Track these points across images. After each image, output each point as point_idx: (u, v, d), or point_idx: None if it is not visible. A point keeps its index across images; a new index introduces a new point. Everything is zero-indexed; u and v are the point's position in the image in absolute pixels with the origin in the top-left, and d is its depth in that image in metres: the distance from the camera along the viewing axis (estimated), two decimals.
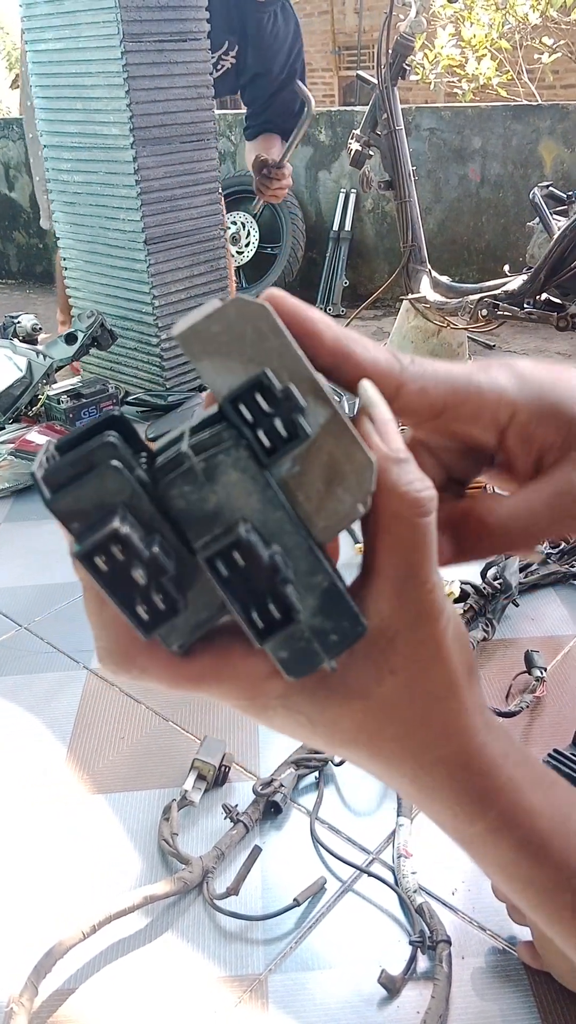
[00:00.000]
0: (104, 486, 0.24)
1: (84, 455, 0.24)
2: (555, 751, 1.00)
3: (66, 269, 2.42)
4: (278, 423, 0.24)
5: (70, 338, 2.11)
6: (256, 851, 0.90)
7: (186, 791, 0.98)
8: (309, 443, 0.25)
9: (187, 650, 0.27)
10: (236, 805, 0.96)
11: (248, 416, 0.24)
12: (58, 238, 2.38)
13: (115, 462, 0.24)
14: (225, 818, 0.95)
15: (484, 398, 0.32)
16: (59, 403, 2.03)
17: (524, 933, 0.81)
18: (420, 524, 0.27)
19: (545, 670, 1.14)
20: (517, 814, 0.30)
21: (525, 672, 1.15)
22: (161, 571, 0.24)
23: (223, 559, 0.24)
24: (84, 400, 2.07)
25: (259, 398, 0.24)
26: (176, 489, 0.24)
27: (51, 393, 2.06)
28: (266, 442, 0.24)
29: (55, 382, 2.12)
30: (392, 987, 0.79)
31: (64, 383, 2.14)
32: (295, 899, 0.86)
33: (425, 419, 0.31)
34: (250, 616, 0.24)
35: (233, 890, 0.87)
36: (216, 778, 1.01)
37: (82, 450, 0.24)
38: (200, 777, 1.01)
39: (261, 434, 0.24)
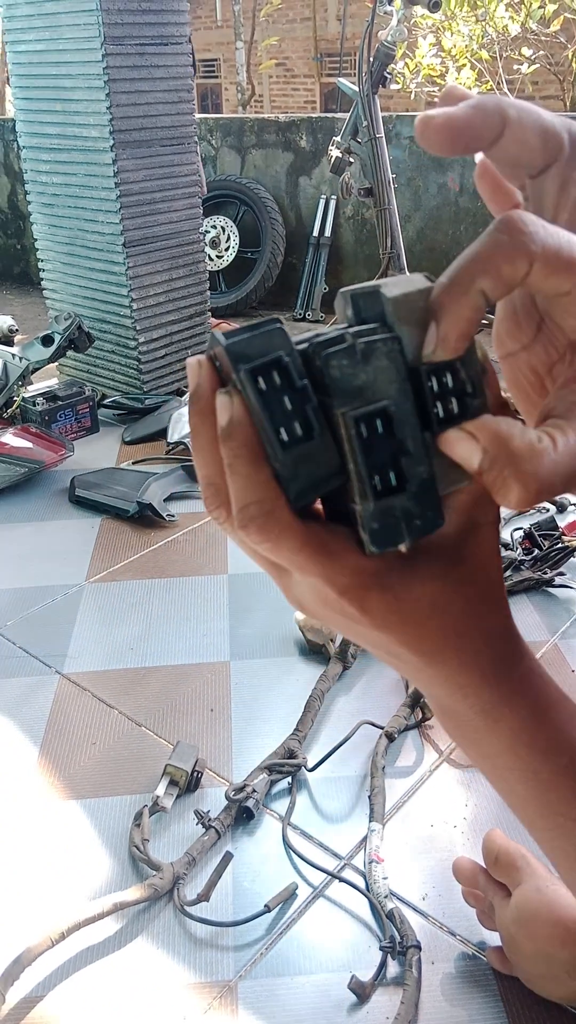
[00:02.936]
0: (271, 341, 0.28)
1: (255, 326, 0.29)
2: None
3: (43, 271, 2.40)
4: (454, 401, 0.30)
5: (47, 340, 2.10)
6: (227, 857, 0.90)
7: (158, 797, 0.98)
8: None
9: (301, 508, 0.30)
10: (208, 811, 0.96)
11: (435, 388, 0.29)
12: (36, 239, 2.37)
13: (281, 326, 0.29)
14: (197, 824, 0.95)
15: None
16: (35, 405, 2.02)
17: (493, 938, 0.82)
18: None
19: None
20: (533, 681, 0.37)
21: None
22: (307, 400, 0.28)
23: (367, 422, 0.28)
24: (60, 402, 2.06)
25: (449, 376, 0.29)
26: (336, 360, 0.28)
27: (27, 395, 2.04)
28: (441, 414, 0.30)
29: (31, 384, 2.11)
30: (362, 993, 0.79)
31: (40, 385, 2.13)
32: (266, 905, 0.86)
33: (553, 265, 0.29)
34: (372, 477, 0.29)
35: (204, 896, 0.86)
36: (188, 784, 1.01)
37: (253, 325, 0.29)
38: (172, 783, 1.00)
39: (439, 405, 0.29)
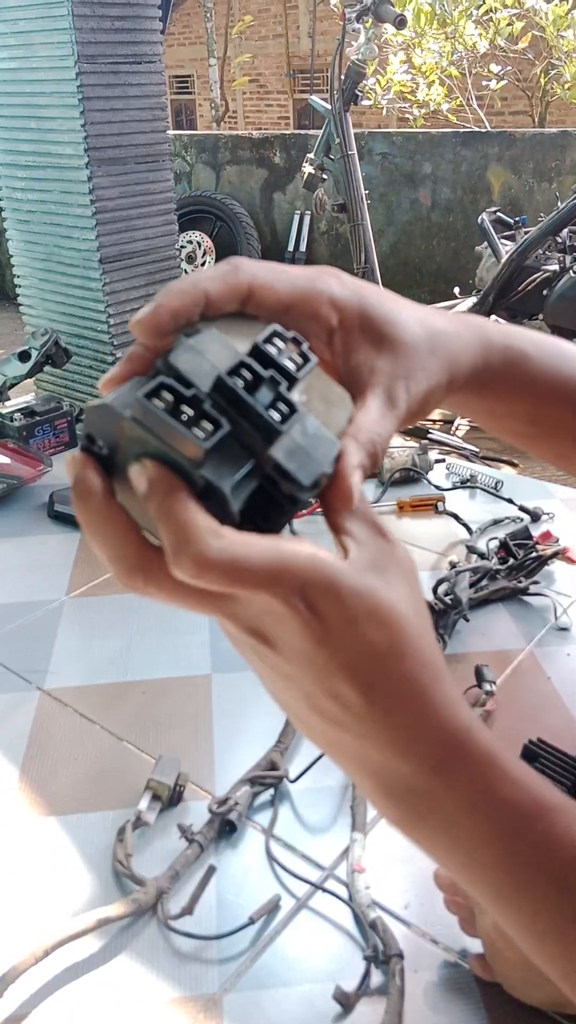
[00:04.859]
0: (136, 385, 0.33)
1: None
2: None
3: (19, 287, 2.41)
4: (294, 355, 0.34)
5: (24, 356, 2.10)
6: (211, 870, 0.90)
7: (141, 812, 0.98)
8: (306, 381, 0.35)
9: (238, 511, 0.33)
10: (191, 824, 0.96)
11: (274, 351, 0.33)
12: (12, 255, 2.37)
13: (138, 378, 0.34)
14: (180, 838, 0.95)
15: (319, 299, 0.37)
16: (12, 421, 2.01)
17: (475, 946, 0.83)
18: (359, 485, 0.36)
19: (495, 684, 1.17)
20: (477, 722, 0.36)
21: (476, 686, 1.17)
22: (199, 402, 0.31)
23: (238, 375, 0.32)
24: (38, 418, 2.06)
25: (277, 341, 0.34)
26: (183, 355, 0.32)
27: (4, 411, 2.04)
28: (291, 366, 0.33)
29: (8, 399, 2.10)
30: (346, 1003, 0.79)
31: (17, 400, 2.13)
32: (250, 917, 0.87)
33: (277, 313, 0.36)
34: (268, 412, 0.32)
35: (188, 910, 0.87)
36: (171, 798, 1.01)
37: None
38: (155, 797, 1.00)
39: (286, 360, 0.33)
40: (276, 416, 0.32)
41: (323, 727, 0.35)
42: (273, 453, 0.32)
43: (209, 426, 0.31)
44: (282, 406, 0.32)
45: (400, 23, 2.71)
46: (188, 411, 0.31)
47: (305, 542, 0.33)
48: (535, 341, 0.44)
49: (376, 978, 0.82)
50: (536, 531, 1.52)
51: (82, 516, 0.34)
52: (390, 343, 0.38)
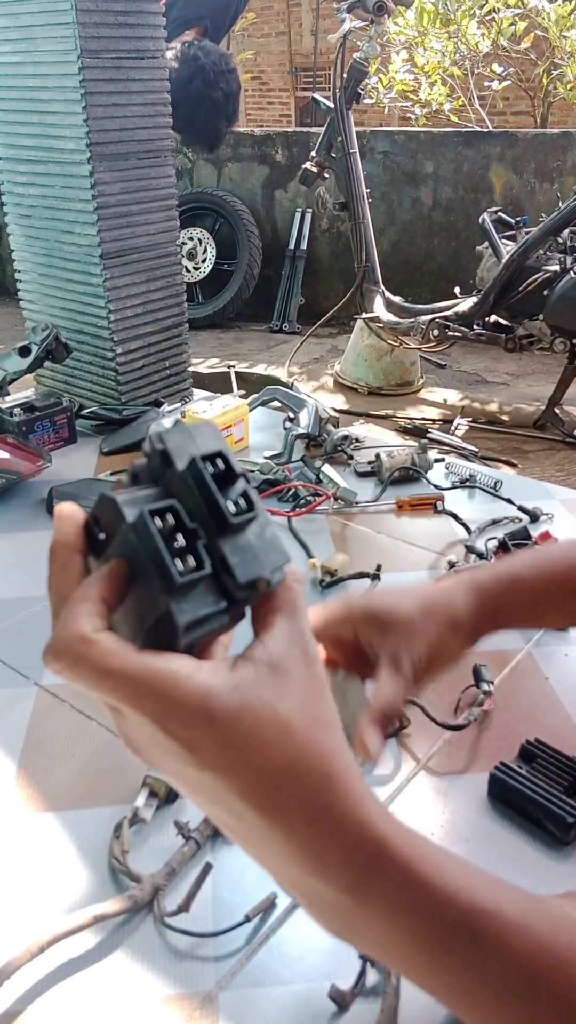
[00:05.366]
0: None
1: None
2: (502, 763, 1.02)
3: (19, 282, 2.40)
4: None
5: (24, 351, 2.10)
6: (207, 867, 0.90)
7: (137, 808, 0.98)
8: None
9: (184, 646, 0.34)
10: (188, 821, 0.96)
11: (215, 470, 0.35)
12: (13, 250, 2.37)
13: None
14: (177, 835, 0.95)
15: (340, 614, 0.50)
16: (12, 416, 2.01)
17: None
18: (298, 588, 0.36)
19: (493, 684, 1.17)
20: (398, 830, 0.34)
21: (473, 686, 1.17)
22: (196, 538, 0.32)
23: (213, 464, 0.34)
24: (38, 413, 2.05)
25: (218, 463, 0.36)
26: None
27: (4, 406, 2.04)
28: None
29: (8, 395, 2.10)
30: (342, 1001, 0.79)
31: (17, 396, 2.12)
32: (246, 915, 0.87)
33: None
34: (226, 502, 0.33)
35: (184, 907, 0.87)
36: (168, 794, 1.01)
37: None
38: (152, 794, 1.00)
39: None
40: (232, 508, 0.33)
41: (239, 841, 0.35)
42: (221, 544, 0.33)
43: (192, 562, 0.32)
44: (242, 502, 0.34)
45: (378, 9, 2.71)
46: (181, 541, 0.32)
47: (188, 661, 0.32)
48: (517, 558, 0.56)
49: (372, 977, 0.82)
50: (535, 532, 1.52)
51: (51, 560, 0.36)
52: (390, 625, 0.50)
